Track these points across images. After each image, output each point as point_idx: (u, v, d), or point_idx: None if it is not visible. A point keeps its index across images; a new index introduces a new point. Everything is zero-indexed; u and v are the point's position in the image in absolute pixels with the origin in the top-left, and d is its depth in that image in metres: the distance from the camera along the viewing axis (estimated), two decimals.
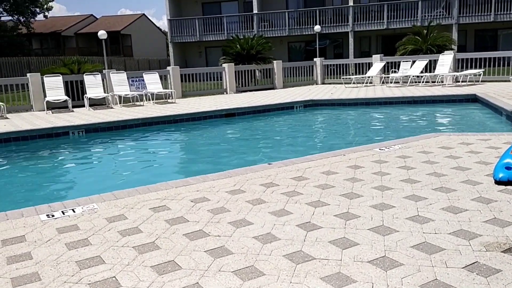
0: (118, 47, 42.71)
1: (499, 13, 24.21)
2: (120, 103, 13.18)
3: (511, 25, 25.90)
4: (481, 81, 14.73)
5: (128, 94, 13.17)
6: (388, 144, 5.44)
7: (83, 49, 40.37)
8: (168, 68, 15.55)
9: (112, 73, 13.62)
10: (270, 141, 8.20)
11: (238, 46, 18.24)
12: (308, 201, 3.50)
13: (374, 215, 3.15)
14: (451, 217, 3.04)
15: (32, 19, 36.20)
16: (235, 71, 16.85)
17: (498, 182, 3.69)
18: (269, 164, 4.71)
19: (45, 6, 38.13)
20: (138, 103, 13.38)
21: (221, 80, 16.95)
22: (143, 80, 14.19)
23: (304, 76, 18.94)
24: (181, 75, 16.32)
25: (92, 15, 46.42)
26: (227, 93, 16.48)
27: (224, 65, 16.78)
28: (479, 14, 24.66)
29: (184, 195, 3.79)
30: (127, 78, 14.07)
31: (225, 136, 8.92)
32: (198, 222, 3.15)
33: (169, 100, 13.95)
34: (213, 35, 27.37)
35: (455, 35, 23.87)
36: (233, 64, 16.81)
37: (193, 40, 27.94)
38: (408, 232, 2.82)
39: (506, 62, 15.69)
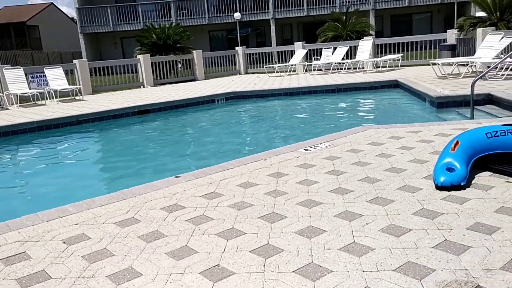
0: (25, 39, 39.06)
1: None
2: (17, 103, 11.57)
3: (424, 10, 26.90)
4: (401, 66, 14.86)
5: (27, 93, 11.60)
6: (314, 143, 4.84)
7: None
8: (75, 61, 14.02)
9: (5, 69, 11.91)
10: (185, 144, 7.27)
11: (154, 36, 17.01)
12: (219, 231, 2.75)
13: (301, 246, 2.47)
14: (393, 242, 2.44)
15: None
16: (152, 63, 15.67)
17: (440, 188, 3.18)
18: (176, 177, 3.89)
19: None
20: (40, 102, 11.85)
21: (137, 73, 15.70)
22: (45, 76, 12.62)
23: (226, 66, 18.17)
24: (92, 69, 14.86)
25: None
26: (144, 87, 15.28)
27: (139, 56, 15.52)
28: None
29: (56, 232, 2.88)
30: (26, 74, 12.43)
31: (133, 139, 7.86)
32: (64, 279, 2.28)
33: (76, 98, 12.53)
34: (128, 25, 25.67)
35: (372, 21, 24.28)
36: (149, 55, 15.61)
37: (107, 30, 26.04)
38: (343, 272, 2.16)
39: (420, 46, 15.99)
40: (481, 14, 19.33)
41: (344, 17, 18.96)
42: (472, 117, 6.47)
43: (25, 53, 33.38)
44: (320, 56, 16.17)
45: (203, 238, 2.66)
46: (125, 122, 9.00)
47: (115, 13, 25.72)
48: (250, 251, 2.45)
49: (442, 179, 3.18)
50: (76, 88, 12.45)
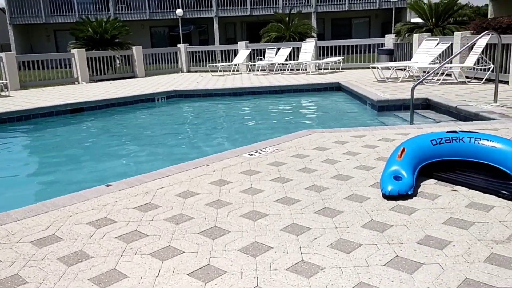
0: None
1: (353, 2, 25.63)
2: None
3: (363, 14, 27.74)
4: (342, 69, 15.11)
5: None
6: (258, 147, 4.64)
7: None
8: (0, 54, 12.93)
9: None
10: (119, 147, 6.66)
11: (90, 29, 16.12)
12: (153, 249, 2.46)
13: (245, 267, 2.24)
14: (343, 259, 2.27)
15: None
16: (88, 58, 14.84)
17: (388, 197, 3.07)
18: (107, 185, 3.53)
19: None
20: None
21: (71, 68, 14.79)
22: None
23: (168, 63, 17.63)
24: (20, 63, 13.80)
25: None
26: (78, 83, 14.43)
27: (73, 50, 14.63)
28: (335, 3, 25.83)
29: None
30: None
31: (61, 141, 7.23)
32: None
33: (1, 93, 11.54)
34: (62, 17, 24.26)
35: (314, 23, 24.65)
36: (84, 49, 14.75)
37: (38, 22, 24.46)
38: None
39: (360, 50, 16.39)
40: (417, 20, 20.20)
41: (287, 18, 19.04)
42: (411, 122, 6.57)
43: None
44: (264, 56, 16.10)
45: (134, 259, 2.36)
46: (55, 122, 8.34)
47: (48, 4, 24.21)
48: (188, 274, 2.19)
49: (389, 188, 3.08)
50: (2, 83, 11.46)
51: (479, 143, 3.35)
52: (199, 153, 5.73)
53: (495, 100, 6.51)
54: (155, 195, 3.32)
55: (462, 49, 6.93)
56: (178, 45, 17.87)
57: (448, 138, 3.44)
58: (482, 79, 9.70)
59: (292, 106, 9.62)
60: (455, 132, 3.50)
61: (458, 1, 14.46)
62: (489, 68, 9.57)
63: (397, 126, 5.43)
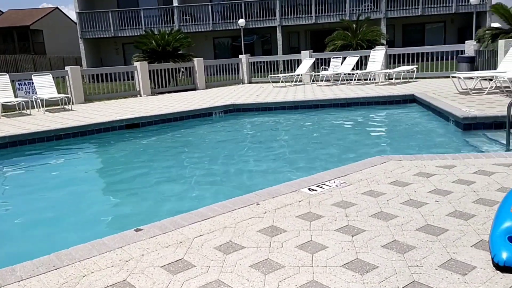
0: (28, 44, 38.48)
1: (426, 6, 24.02)
2: (0, 112, 10.70)
3: (437, 19, 25.94)
4: (415, 78, 13.87)
5: (11, 101, 10.77)
6: (321, 179, 3.86)
7: None
8: (66, 68, 13.17)
9: None
10: (161, 174, 5.69)
11: (153, 42, 16.15)
12: None
13: None
14: None
15: None
16: (150, 71, 14.80)
17: (502, 268, 2.19)
18: (136, 230, 2.93)
19: None
20: (25, 112, 10.99)
21: (133, 80, 14.84)
22: (33, 83, 11.77)
23: (229, 74, 17.29)
24: (89, 76, 14.04)
25: None
26: (140, 96, 14.40)
27: (135, 63, 14.66)
28: (407, 7, 24.36)
29: None
30: (13, 81, 11.62)
31: (108, 162, 6.82)
32: None
33: (66, 107, 11.66)
34: (129, 30, 24.90)
35: (384, 30, 23.32)
36: (146, 62, 14.74)
37: (108, 35, 25.28)
38: None
39: (436, 57, 15.02)
40: (497, 24, 18.34)
41: (355, 25, 18.03)
42: (508, 145, 5.47)
43: (27, 58, 32.71)
44: (328, 66, 15.24)
45: None
46: (108, 139, 8.05)
47: (117, 18, 24.96)
48: None
49: (504, 255, 2.19)
50: (65, 97, 11.57)
51: None
52: (251, 182, 5.06)
53: None
54: (191, 247, 2.66)
55: None
56: (240, 56, 17.47)
57: None
58: None
59: (361, 123, 8.69)
60: None
61: None
62: None
63: (494, 153, 4.42)
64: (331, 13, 24.46)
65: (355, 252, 2.48)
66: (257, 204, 3.34)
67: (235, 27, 24.47)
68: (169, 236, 2.84)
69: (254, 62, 17.63)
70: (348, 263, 2.37)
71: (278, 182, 3.98)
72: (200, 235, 2.84)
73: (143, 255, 2.60)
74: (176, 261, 2.51)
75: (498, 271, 2.19)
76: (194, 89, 15.94)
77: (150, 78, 14.78)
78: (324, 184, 3.73)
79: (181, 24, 24.67)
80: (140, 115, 9.05)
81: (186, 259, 2.52)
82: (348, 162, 4.55)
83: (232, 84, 16.99)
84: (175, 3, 24.95)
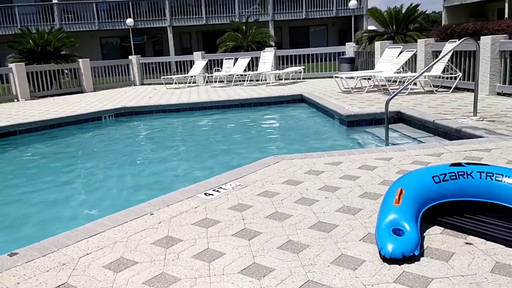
0: None
1: (309, 10, 25.36)
2: None
3: (320, 23, 27.55)
4: (303, 79, 14.55)
5: None
6: (217, 183, 3.81)
7: None
8: None
9: None
10: (42, 188, 5.17)
11: (30, 41, 14.79)
12: None
13: None
14: None
15: None
16: (28, 72, 13.54)
17: (389, 260, 2.33)
18: (10, 255, 2.60)
19: None
20: None
21: (9, 83, 13.44)
22: None
23: (119, 76, 16.54)
24: None
25: None
26: (18, 100, 13.11)
27: (10, 65, 13.29)
28: (292, 11, 25.49)
29: None
30: None
31: None
32: None
33: None
34: (2, 29, 22.54)
35: (272, 32, 24.14)
36: (23, 64, 13.45)
37: None
38: None
39: (320, 58, 15.93)
40: (372, 27, 20.04)
41: (244, 27, 18.37)
42: (387, 139, 5.95)
43: None
44: (221, 67, 15.32)
45: None
46: None
47: None
48: None
49: (390, 247, 2.33)
50: None
51: (492, 178, 2.68)
52: (146, 190, 4.84)
53: (475, 113, 5.99)
54: (76, 269, 2.43)
55: (443, 54, 6.39)
56: (130, 57, 16.80)
57: (453, 174, 2.75)
58: (450, 88, 9.31)
59: (254, 123, 8.85)
60: (460, 165, 2.82)
61: (418, 8, 14.25)
62: (456, 77, 9.20)
63: (376, 148, 4.76)
64: (221, 15, 24.67)
65: (252, 257, 2.46)
66: (151, 214, 3.18)
67: (123, 27, 23.50)
68: (51, 258, 2.56)
69: (145, 63, 17.08)
70: (245, 268, 2.34)
71: (173, 188, 3.85)
72: (87, 254, 2.60)
73: (18, 283, 2.30)
74: (58, 286, 2.26)
75: (385, 263, 2.32)
76: (81, 92, 14.95)
77: (29, 81, 13.52)
78: (221, 188, 3.68)
79: (63, 22, 22.98)
80: (17, 122, 8.20)
81: (70, 283, 2.28)
82: (244, 163, 4.57)
83: (123, 86, 16.28)
84: (55, 0, 23.16)
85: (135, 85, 16.64)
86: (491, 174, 2.69)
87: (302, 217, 2.99)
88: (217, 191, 3.61)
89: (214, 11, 24.68)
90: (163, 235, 2.82)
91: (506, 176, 2.65)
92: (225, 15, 24.64)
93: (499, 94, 8.25)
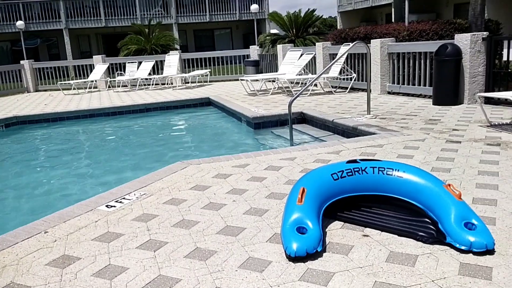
0: None
1: (213, 13, 25.45)
2: None
3: (224, 26, 27.76)
4: (209, 82, 14.54)
5: None
6: (120, 193, 3.63)
7: None
8: None
9: None
10: None
11: None
12: None
13: None
14: None
15: None
16: None
17: (294, 259, 2.39)
18: None
19: None
20: None
21: None
22: None
23: (10, 82, 15.21)
24: None
25: None
26: None
27: None
28: (196, 14, 25.39)
29: None
30: None
31: None
32: None
33: None
34: None
35: (176, 35, 23.84)
36: None
37: None
38: None
39: (226, 61, 16.07)
40: (275, 31, 20.68)
41: (147, 30, 17.90)
42: (291, 139, 6.15)
43: None
44: (124, 71, 14.76)
45: None
46: None
47: None
48: None
49: (294, 246, 2.39)
50: None
51: (383, 173, 2.88)
52: (41, 207, 4.48)
53: (368, 112, 6.42)
54: None
55: (338, 57, 6.74)
56: (21, 62, 15.51)
57: (349, 170, 2.90)
58: (346, 88, 9.89)
59: (161, 128, 8.64)
60: (355, 161, 2.99)
61: (315, 13, 14.96)
62: (351, 78, 9.80)
63: (281, 149, 4.88)
64: (122, 17, 23.81)
65: (158, 269, 2.37)
66: (45, 232, 2.93)
67: (13, 30, 21.65)
68: None
69: (40, 68, 15.88)
70: (150, 282, 2.25)
71: (71, 202, 3.60)
72: None
73: None
74: None
75: (291, 262, 2.38)
76: None
77: None
78: (124, 198, 3.52)
79: None
80: None
81: None
82: (151, 171, 4.42)
83: (15, 93, 14.99)
84: None
85: (28, 92, 15.40)
86: (383, 169, 2.88)
87: (210, 223, 2.96)
88: (120, 202, 3.44)
89: (114, 13, 23.72)
90: (59, 254, 2.62)
91: (395, 170, 2.85)
92: (126, 17, 23.80)
93: (389, 93, 8.95)
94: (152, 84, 14.27)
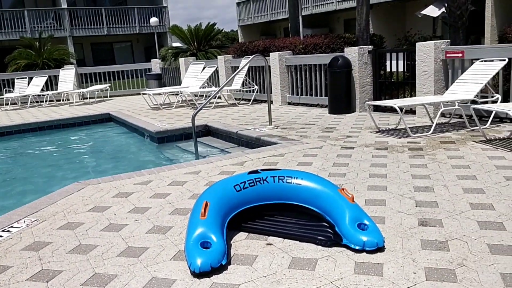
0: None
1: (111, 26, 24.58)
2: None
3: (124, 39, 26.94)
4: (110, 97, 13.97)
5: None
6: (7, 222, 3.31)
7: None
8: None
9: None
10: None
11: None
12: None
13: None
14: None
15: None
16: None
17: (199, 275, 2.36)
18: None
19: None
20: None
21: None
22: None
23: None
24: None
25: None
26: None
27: None
28: (93, 27, 24.33)
29: None
30: None
31: None
32: None
33: None
34: None
35: (71, 48, 22.61)
36: None
37: None
38: None
39: (127, 75, 15.59)
40: (177, 44, 20.56)
41: (38, 44, 16.74)
42: (196, 152, 6.12)
43: None
44: (13, 88, 13.60)
45: None
46: None
47: None
48: None
49: (199, 261, 2.36)
50: None
51: (283, 181, 2.98)
52: None
53: (270, 122, 6.62)
54: None
55: (239, 70, 6.86)
56: None
57: (251, 181, 2.96)
58: (249, 100, 10.11)
59: (56, 148, 8.06)
60: (256, 172, 3.05)
61: (215, 27, 15.13)
62: (253, 90, 10.05)
63: (185, 163, 4.82)
64: (9, 30, 22.02)
65: None
66: None
67: None
68: None
69: None
70: None
71: None
72: None
73: None
74: None
75: (196, 278, 2.34)
76: None
77: None
78: (12, 227, 3.22)
79: None
80: None
81: None
82: (45, 194, 4.10)
83: None
84: None
85: None
86: (282, 177, 2.98)
87: (109, 246, 2.81)
88: (8, 231, 3.14)
89: (0, 26, 21.85)
90: None
91: (294, 177, 2.97)
92: (13, 30, 22.04)
93: (289, 103, 9.32)
94: (46, 101, 13.33)
